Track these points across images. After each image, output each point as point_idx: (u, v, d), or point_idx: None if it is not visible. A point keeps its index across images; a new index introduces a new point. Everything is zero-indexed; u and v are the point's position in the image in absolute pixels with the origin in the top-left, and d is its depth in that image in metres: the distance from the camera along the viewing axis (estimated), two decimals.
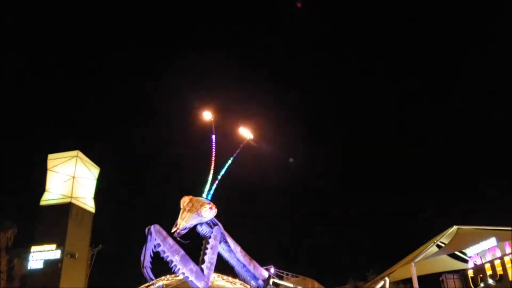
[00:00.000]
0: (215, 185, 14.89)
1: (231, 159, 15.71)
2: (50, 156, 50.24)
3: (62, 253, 44.87)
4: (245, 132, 16.47)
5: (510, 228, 23.06)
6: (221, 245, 15.10)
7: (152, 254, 13.25)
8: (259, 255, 16.91)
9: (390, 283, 18.13)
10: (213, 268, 14.11)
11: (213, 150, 15.25)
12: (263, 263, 16.98)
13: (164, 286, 30.20)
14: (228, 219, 16.26)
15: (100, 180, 52.05)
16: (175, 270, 13.57)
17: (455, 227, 26.54)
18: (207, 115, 15.97)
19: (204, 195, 14.67)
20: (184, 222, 13.61)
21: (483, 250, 23.46)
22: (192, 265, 13.52)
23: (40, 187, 48.83)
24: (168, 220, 14.26)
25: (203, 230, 14.53)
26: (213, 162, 15.15)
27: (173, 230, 13.54)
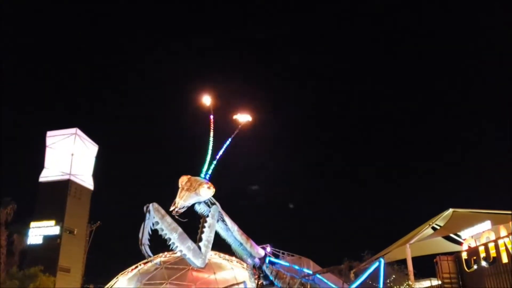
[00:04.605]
0: (213, 165, 15.14)
1: (230, 139, 15.92)
2: (49, 133, 50.62)
3: (61, 229, 45.70)
4: (244, 115, 16.68)
5: (506, 212, 23.56)
6: (219, 224, 15.47)
7: (150, 232, 13.52)
8: (256, 234, 17.17)
9: (385, 263, 18.59)
10: (210, 246, 14.42)
11: (212, 130, 15.47)
12: (260, 242, 17.27)
13: (162, 263, 30.84)
14: (226, 198, 16.58)
15: (99, 158, 52.50)
16: (173, 248, 13.88)
17: (450, 210, 27.06)
18: (206, 100, 16.10)
19: (203, 174, 14.93)
20: (182, 201, 13.92)
21: (477, 233, 23.97)
22: (189, 243, 13.85)
23: (39, 164, 49.31)
24: (166, 198, 14.48)
25: (201, 209, 14.88)
26: (211, 142, 15.39)
27: (172, 208, 13.83)
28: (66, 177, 47.71)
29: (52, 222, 45.35)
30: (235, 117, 16.52)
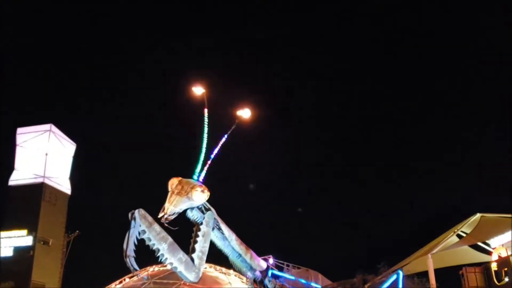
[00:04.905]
0: (207, 166, 14.88)
1: (226, 136, 15.67)
2: (19, 130, 50.07)
3: (34, 240, 45.20)
4: (243, 111, 16.39)
5: None
6: (214, 232, 15.15)
7: (136, 242, 13.28)
8: (256, 244, 17.06)
9: (404, 276, 18.31)
10: (204, 258, 14.18)
11: (205, 126, 15.14)
12: (261, 252, 17.10)
13: (149, 277, 30.60)
14: (222, 202, 16.56)
15: (77, 158, 52.02)
16: (162, 260, 13.66)
17: (478, 215, 26.64)
18: (198, 90, 15.77)
19: (195, 176, 14.65)
20: (172, 207, 13.67)
21: (508, 241, 23.64)
22: (181, 255, 13.62)
23: (9, 165, 48.86)
24: (154, 204, 14.38)
25: (193, 215, 14.55)
26: (205, 139, 15.08)
27: (160, 215, 13.59)
28: (39, 180, 47.23)
29: (24, 232, 44.88)
30: (237, 112, 16.25)
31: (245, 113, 16.29)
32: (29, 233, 45.05)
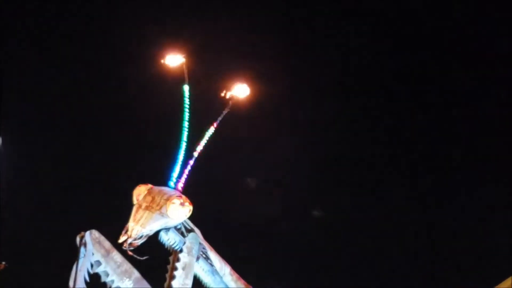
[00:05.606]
0: (189, 167, 13.77)
1: (213, 127, 14.58)
2: None
3: None
4: (238, 88, 15.30)
5: None
6: (200, 263, 13.91)
7: (87, 278, 12.37)
8: (258, 275, 16.27)
9: None
10: None
11: (186, 110, 13.99)
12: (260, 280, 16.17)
13: None
14: (209, 220, 15.57)
15: (4, 158, 50.53)
16: None
17: None
18: (176, 60, 14.69)
19: (172, 183, 13.58)
20: (139, 227, 12.47)
21: None
22: None
23: None
24: (113, 223, 13.45)
25: (170, 239, 13.31)
26: (185, 130, 13.97)
27: (122, 239, 12.39)
28: None
29: None
30: (228, 93, 15.10)
31: (241, 92, 15.22)
32: None
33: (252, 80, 15.50)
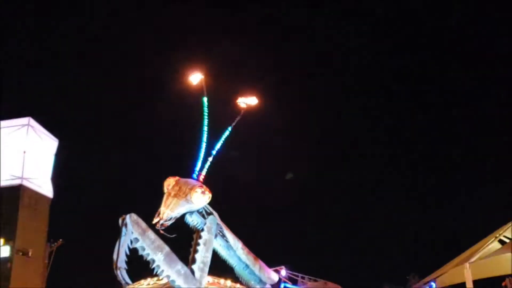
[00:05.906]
0: (208, 163, 15.19)
1: (229, 129, 16.02)
2: None
3: (12, 250, 45.87)
4: (248, 99, 16.79)
5: None
6: (217, 240, 15.48)
7: (128, 252, 13.52)
8: (266, 253, 17.53)
9: None
10: (206, 269, 14.45)
11: (205, 117, 15.45)
12: (272, 262, 17.57)
13: None
14: (227, 206, 17.07)
15: (59, 156, 52.37)
16: (158, 272, 13.80)
17: None
18: (196, 78, 16.05)
19: (195, 175, 14.98)
20: (169, 211, 13.90)
21: None
22: (179, 266, 13.81)
23: None
24: (148, 208, 14.56)
25: (193, 220, 14.87)
26: (205, 132, 15.41)
27: (155, 221, 13.80)
28: (17, 181, 47.73)
29: (0, 241, 45.55)
30: (238, 100, 16.53)
31: (251, 101, 16.59)
32: (6, 243, 45.62)
33: (260, 91, 17.13)
